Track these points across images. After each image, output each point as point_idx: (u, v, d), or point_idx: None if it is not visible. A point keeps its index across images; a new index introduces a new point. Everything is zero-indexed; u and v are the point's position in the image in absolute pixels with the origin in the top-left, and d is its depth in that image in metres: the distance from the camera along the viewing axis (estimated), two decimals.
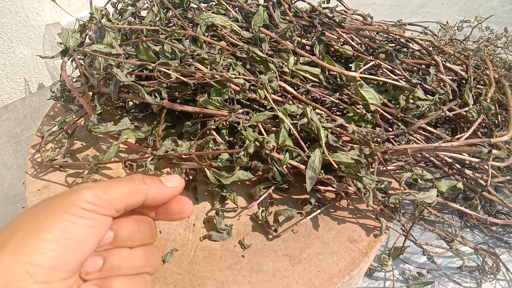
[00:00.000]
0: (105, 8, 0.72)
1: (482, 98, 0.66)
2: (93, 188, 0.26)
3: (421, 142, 0.62)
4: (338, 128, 0.57)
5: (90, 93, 0.61)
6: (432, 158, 0.62)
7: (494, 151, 0.54)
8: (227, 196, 0.55)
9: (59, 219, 0.24)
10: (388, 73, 0.66)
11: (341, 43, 0.71)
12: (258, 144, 0.50)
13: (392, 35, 0.73)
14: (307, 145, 0.55)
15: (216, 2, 0.74)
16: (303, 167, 0.52)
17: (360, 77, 0.62)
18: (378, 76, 0.66)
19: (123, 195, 0.27)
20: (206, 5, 0.75)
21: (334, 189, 0.53)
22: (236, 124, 0.55)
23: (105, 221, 0.26)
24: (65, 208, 0.24)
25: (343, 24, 0.71)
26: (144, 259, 0.28)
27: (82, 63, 0.62)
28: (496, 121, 0.68)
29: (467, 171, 0.63)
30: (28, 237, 0.23)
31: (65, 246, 0.24)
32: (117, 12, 0.76)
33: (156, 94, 0.56)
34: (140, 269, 0.28)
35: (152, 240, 0.30)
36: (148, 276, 0.29)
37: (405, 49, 0.73)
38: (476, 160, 0.61)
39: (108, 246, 0.27)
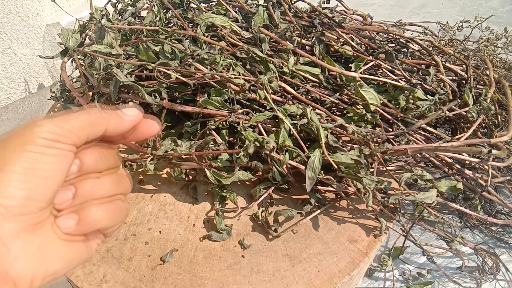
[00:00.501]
0: (105, 8, 0.71)
1: (482, 98, 0.66)
2: (51, 119, 0.25)
3: (421, 142, 0.62)
4: (338, 128, 0.57)
5: (90, 93, 0.61)
6: (432, 158, 0.62)
7: (494, 151, 0.54)
8: (227, 196, 0.55)
9: (23, 151, 0.23)
10: (388, 73, 0.66)
11: (341, 43, 0.71)
12: (258, 144, 0.50)
13: (392, 35, 0.73)
14: (307, 145, 0.55)
15: (216, 2, 0.74)
16: (303, 167, 0.52)
17: (360, 77, 0.62)
18: (378, 76, 0.66)
19: (83, 124, 0.26)
20: (206, 5, 0.75)
21: (334, 190, 0.53)
22: (236, 124, 0.55)
23: (70, 149, 0.26)
24: (26, 140, 0.24)
25: (343, 24, 0.71)
26: (115, 183, 0.28)
27: (82, 63, 0.62)
28: (496, 121, 0.68)
29: (467, 171, 0.63)
30: None
31: (36, 176, 0.23)
32: (117, 12, 0.76)
33: (156, 94, 0.56)
34: (114, 191, 0.28)
35: (117, 165, 0.30)
36: (122, 196, 0.29)
37: (405, 49, 0.73)
38: (476, 160, 0.61)
39: (77, 175, 0.27)
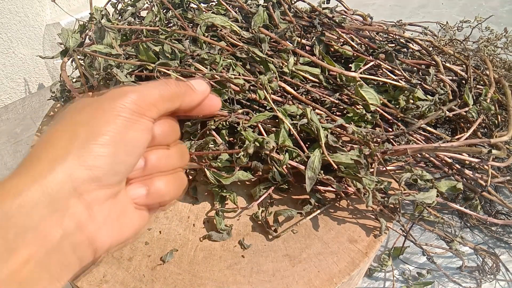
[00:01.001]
0: (105, 9, 0.71)
1: (482, 98, 0.66)
2: (138, 91, 0.26)
3: (421, 142, 0.62)
4: (338, 129, 0.57)
5: (90, 94, 0.61)
6: (432, 158, 0.62)
7: (494, 151, 0.54)
8: (227, 196, 0.55)
9: (113, 123, 0.24)
10: (388, 73, 0.66)
11: (341, 43, 0.71)
12: (258, 144, 0.50)
13: (392, 35, 0.73)
14: (306, 145, 0.55)
15: (216, 2, 0.74)
16: (302, 167, 0.52)
17: (360, 77, 0.62)
18: (378, 76, 0.66)
19: (164, 99, 0.27)
20: (206, 5, 0.75)
21: (334, 190, 0.53)
22: (236, 125, 0.55)
23: (151, 124, 0.26)
24: (117, 112, 0.24)
25: (343, 24, 0.71)
26: (179, 157, 0.29)
27: (82, 63, 0.62)
28: (496, 121, 0.68)
29: (467, 171, 0.63)
30: (90, 141, 0.23)
31: (124, 150, 0.24)
32: (117, 12, 0.76)
33: None
34: (178, 165, 0.29)
35: (179, 137, 0.31)
36: (182, 171, 0.30)
37: (405, 49, 0.73)
38: (476, 160, 0.61)
39: (148, 148, 0.27)
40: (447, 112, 0.62)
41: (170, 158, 0.28)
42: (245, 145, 0.49)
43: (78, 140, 0.23)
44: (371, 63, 0.66)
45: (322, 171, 0.51)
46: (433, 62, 0.70)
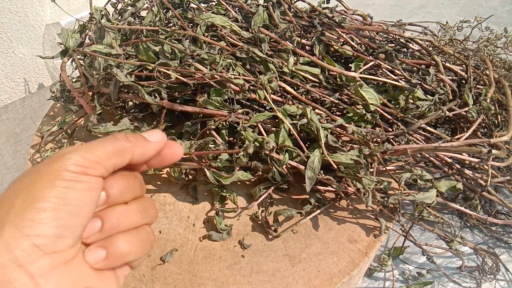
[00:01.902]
0: (105, 9, 0.72)
1: (482, 98, 0.66)
2: (78, 150, 0.25)
3: (421, 142, 0.62)
4: (337, 129, 0.57)
5: (90, 93, 0.61)
6: (432, 158, 0.62)
7: (494, 151, 0.54)
8: (227, 196, 0.55)
9: (52, 186, 0.23)
10: (388, 73, 0.66)
11: (341, 43, 0.71)
12: (257, 144, 0.50)
13: (392, 35, 0.73)
14: (306, 145, 0.55)
15: (216, 2, 0.74)
16: (302, 167, 0.52)
17: (360, 77, 0.62)
18: (378, 76, 0.66)
19: (110, 154, 0.26)
20: (206, 5, 0.75)
21: (334, 190, 0.53)
22: (236, 124, 0.55)
23: (98, 182, 0.25)
24: (56, 174, 0.24)
25: (343, 24, 0.71)
26: (142, 211, 0.28)
27: (82, 63, 0.62)
28: (496, 121, 0.68)
29: (467, 171, 0.63)
30: (26, 209, 0.23)
31: (67, 213, 0.23)
32: (117, 12, 0.76)
33: (156, 94, 0.56)
34: (140, 222, 0.28)
35: (142, 192, 0.29)
36: (148, 227, 0.29)
37: (405, 49, 0.73)
38: (476, 160, 0.61)
39: (103, 206, 0.27)
40: (447, 112, 0.62)
41: (131, 215, 0.27)
42: (245, 145, 0.49)
43: (13, 209, 0.22)
44: (371, 63, 0.66)
45: (322, 171, 0.51)
46: (433, 62, 0.70)
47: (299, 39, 0.66)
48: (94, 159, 0.25)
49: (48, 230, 0.22)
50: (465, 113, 0.65)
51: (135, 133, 0.29)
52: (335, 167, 0.51)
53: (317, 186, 0.55)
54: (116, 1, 0.77)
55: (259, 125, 0.56)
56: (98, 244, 0.26)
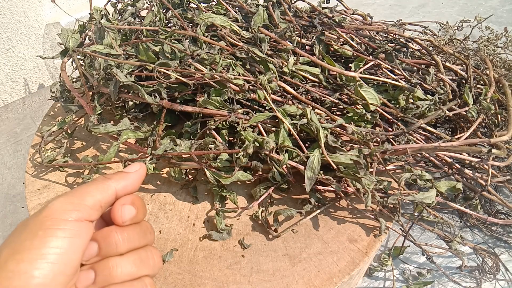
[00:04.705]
0: (105, 9, 0.72)
1: (482, 98, 0.66)
2: (61, 197, 0.25)
3: (421, 142, 0.62)
4: (337, 128, 0.57)
5: (90, 94, 0.61)
6: (432, 158, 0.62)
7: (494, 150, 0.54)
8: (227, 196, 0.55)
9: (35, 237, 0.23)
10: (388, 73, 0.66)
11: (341, 43, 0.71)
12: (257, 144, 0.51)
13: (392, 35, 0.73)
14: (306, 145, 0.55)
15: (216, 2, 0.74)
16: (302, 167, 0.52)
17: (360, 77, 0.62)
18: (378, 76, 0.66)
19: (92, 193, 0.26)
20: (206, 5, 0.75)
21: (334, 190, 0.53)
22: (236, 124, 0.55)
23: (84, 227, 0.25)
24: (39, 225, 0.24)
25: (343, 24, 0.71)
26: (138, 262, 0.27)
27: (82, 63, 0.62)
28: (496, 121, 0.68)
29: (467, 171, 0.63)
30: (8, 261, 0.23)
31: (49, 263, 0.23)
32: (117, 12, 0.76)
33: (156, 94, 0.56)
34: (136, 274, 0.27)
35: (145, 242, 0.29)
36: (148, 279, 0.28)
37: (405, 49, 0.73)
38: (476, 160, 0.61)
39: (96, 258, 0.27)
40: (447, 112, 0.62)
41: (124, 266, 0.27)
42: (244, 145, 0.49)
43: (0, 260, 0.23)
44: (371, 63, 0.66)
45: (321, 171, 0.51)
46: (433, 61, 0.70)
47: (299, 39, 0.66)
48: (77, 201, 0.25)
49: (30, 280, 0.22)
50: (465, 113, 0.65)
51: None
52: (335, 167, 0.51)
53: (317, 186, 0.55)
54: (116, 1, 0.77)
55: (259, 125, 0.56)
56: None
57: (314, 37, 0.67)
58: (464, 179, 0.63)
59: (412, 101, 0.63)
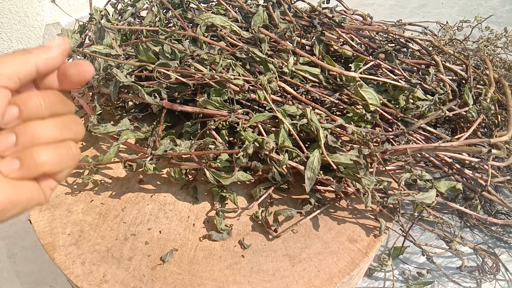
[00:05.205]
0: (105, 9, 0.72)
1: (482, 98, 0.66)
2: None
3: (421, 142, 0.62)
4: (337, 129, 0.57)
5: (90, 94, 0.61)
6: (432, 158, 0.62)
7: (494, 151, 0.54)
8: (227, 196, 0.55)
9: None
10: (388, 73, 0.66)
11: (341, 43, 0.71)
12: (257, 144, 0.51)
13: (392, 35, 0.73)
14: (306, 145, 0.55)
15: (216, 2, 0.74)
16: (302, 167, 0.52)
17: (360, 77, 0.62)
18: (378, 76, 0.66)
19: (11, 63, 0.26)
20: (206, 5, 0.75)
21: (334, 190, 0.53)
22: (235, 125, 0.55)
23: (1, 93, 0.25)
24: None
25: (342, 24, 0.71)
26: (61, 126, 0.28)
27: None
28: (496, 121, 0.68)
29: (467, 171, 0.63)
30: None
31: None
32: (117, 12, 0.76)
33: (156, 95, 0.56)
34: (59, 137, 0.28)
35: (65, 110, 0.29)
36: (72, 142, 0.29)
37: (405, 49, 0.73)
38: (476, 160, 0.61)
39: (17, 122, 0.27)
40: (447, 112, 0.62)
41: (48, 129, 0.27)
42: (244, 145, 0.49)
43: None
44: (371, 63, 0.66)
45: (321, 171, 0.51)
46: (433, 62, 0.70)
47: (299, 39, 0.66)
48: None
49: None
50: (465, 113, 0.65)
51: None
52: (335, 167, 0.51)
53: (317, 186, 0.55)
54: (116, 1, 0.77)
55: (259, 125, 0.57)
56: (13, 156, 0.26)
57: (314, 37, 0.67)
58: (464, 179, 0.63)
59: (412, 101, 0.63)
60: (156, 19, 0.69)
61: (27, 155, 0.26)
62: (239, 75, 0.57)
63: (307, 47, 0.69)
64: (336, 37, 0.70)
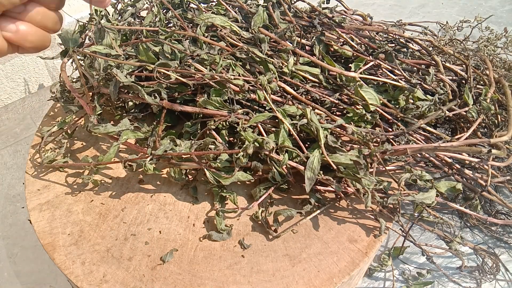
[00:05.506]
0: (105, 9, 0.71)
1: (482, 98, 0.66)
2: None
3: (421, 142, 0.62)
4: (337, 129, 0.57)
5: (90, 94, 0.61)
6: (432, 158, 0.62)
7: (494, 151, 0.54)
8: (227, 196, 0.55)
9: None
10: (388, 73, 0.66)
11: (341, 43, 0.71)
12: (257, 145, 0.51)
13: (392, 35, 0.73)
14: (306, 145, 0.55)
15: (216, 2, 0.74)
16: (302, 168, 0.52)
17: (360, 77, 0.62)
18: (378, 76, 0.66)
19: None
20: (206, 5, 0.75)
21: (334, 190, 0.53)
22: (235, 125, 0.55)
23: None
24: None
25: (342, 24, 0.71)
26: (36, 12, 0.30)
27: (82, 64, 0.62)
28: (496, 121, 0.68)
29: (467, 171, 0.63)
30: None
31: None
32: (117, 12, 0.76)
33: (156, 95, 0.56)
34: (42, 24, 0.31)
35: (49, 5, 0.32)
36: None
37: (405, 49, 0.73)
38: (476, 160, 0.61)
39: None
40: (447, 112, 0.62)
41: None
42: (244, 146, 0.49)
43: None
44: (371, 63, 0.66)
45: (321, 172, 0.51)
46: (433, 62, 0.70)
47: (299, 39, 0.66)
48: None
49: None
50: (465, 113, 0.65)
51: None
52: (335, 167, 0.51)
53: (317, 186, 0.55)
54: (116, 2, 0.77)
55: (259, 126, 0.57)
56: (13, 18, 0.28)
57: (314, 38, 0.67)
58: (464, 179, 0.63)
59: (412, 101, 0.63)
60: (156, 19, 0.69)
61: (21, 24, 0.29)
62: (239, 75, 0.57)
63: (307, 47, 0.69)
64: (336, 37, 0.70)
